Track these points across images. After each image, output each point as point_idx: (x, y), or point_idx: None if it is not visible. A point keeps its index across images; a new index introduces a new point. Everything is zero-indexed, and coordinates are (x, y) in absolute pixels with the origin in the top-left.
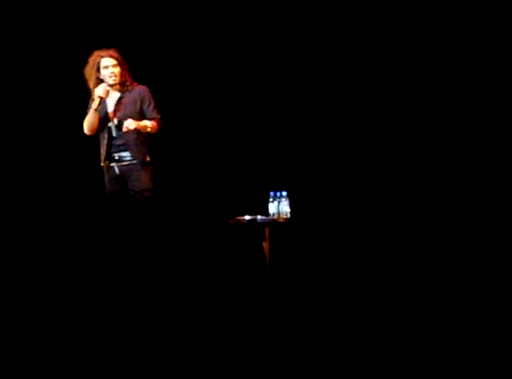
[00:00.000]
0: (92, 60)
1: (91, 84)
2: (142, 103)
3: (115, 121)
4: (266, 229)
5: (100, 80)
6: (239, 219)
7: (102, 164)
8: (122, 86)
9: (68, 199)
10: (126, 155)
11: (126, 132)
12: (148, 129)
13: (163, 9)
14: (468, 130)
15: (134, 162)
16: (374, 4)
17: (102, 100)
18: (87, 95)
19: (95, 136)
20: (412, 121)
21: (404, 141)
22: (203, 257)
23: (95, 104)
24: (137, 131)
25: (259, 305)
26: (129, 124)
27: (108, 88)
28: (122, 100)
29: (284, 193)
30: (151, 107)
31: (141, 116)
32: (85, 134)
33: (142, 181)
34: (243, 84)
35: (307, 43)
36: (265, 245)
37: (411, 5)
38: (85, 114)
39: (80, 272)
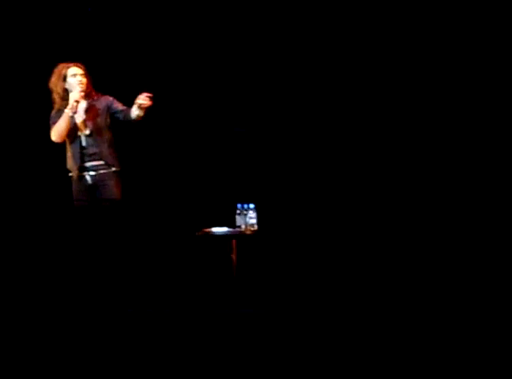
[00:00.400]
0: (57, 70)
1: (56, 94)
2: (111, 107)
3: (87, 131)
4: (233, 241)
5: (66, 91)
6: (207, 232)
7: (71, 174)
8: (87, 97)
9: (34, 209)
10: (100, 163)
11: (99, 140)
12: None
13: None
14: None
15: (111, 170)
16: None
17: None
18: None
19: (60, 146)
20: (375, 131)
21: (367, 152)
22: (170, 269)
23: (71, 109)
24: (109, 140)
25: (224, 315)
26: (146, 101)
27: (82, 93)
28: (92, 109)
29: (252, 206)
30: (121, 104)
31: (108, 127)
32: (53, 142)
33: (113, 191)
34: (210, 96)
35: (266, 57)
36: (232, 257)
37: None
38: (48, 124)
39: (47, 281)
